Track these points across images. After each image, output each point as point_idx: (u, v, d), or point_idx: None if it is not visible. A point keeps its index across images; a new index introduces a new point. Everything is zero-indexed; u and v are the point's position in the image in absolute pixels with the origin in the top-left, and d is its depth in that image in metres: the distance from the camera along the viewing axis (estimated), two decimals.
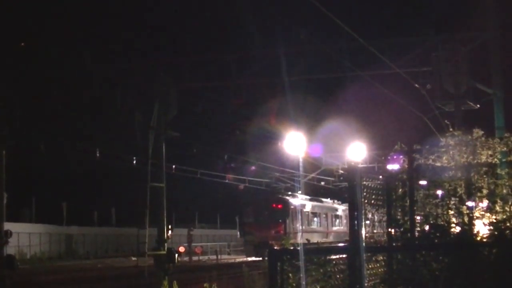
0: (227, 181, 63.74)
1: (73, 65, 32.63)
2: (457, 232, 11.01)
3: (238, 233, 64.86)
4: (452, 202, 13.63)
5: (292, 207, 60.23)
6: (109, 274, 39.71)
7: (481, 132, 15.91)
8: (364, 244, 11.60)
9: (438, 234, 11.65)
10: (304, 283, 11.31)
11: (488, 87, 30.10)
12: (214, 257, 63.38)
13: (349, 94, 37.76)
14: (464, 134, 15.93)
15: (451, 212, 13.46)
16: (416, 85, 30.56)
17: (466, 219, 13.23)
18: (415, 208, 12.88)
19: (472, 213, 13.69)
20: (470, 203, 13.76)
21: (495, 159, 14.94)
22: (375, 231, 12.65)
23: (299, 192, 63.75)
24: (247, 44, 34.19)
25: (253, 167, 63.69)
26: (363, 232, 11.65)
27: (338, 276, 11.90)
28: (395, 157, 14.45)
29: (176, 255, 23.11)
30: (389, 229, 12.32)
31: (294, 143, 48.02)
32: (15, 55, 33.92)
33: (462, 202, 13.59)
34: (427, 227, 12.56)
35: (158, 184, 23.19)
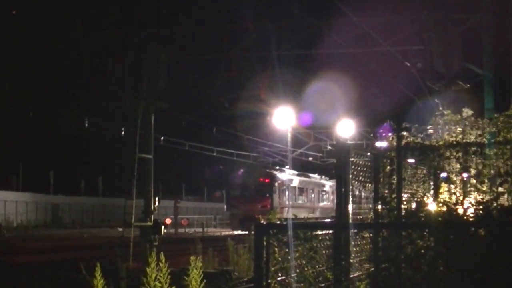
0: (214, 154, 63.80)
1: (64, 32, 32.45)
2: (444, 211, 11.02)
3: (225, 206, 64.91)
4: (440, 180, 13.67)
5: (279, 181, 60.35)
6: (95, 243, 39.75)
7: (470, 112, 15.92)
8: (350, 220, 11.63)
9: (424, 213, 11.66)
10: (290, 257, 11.32)
11: (479, 68, 30.09)
12: (200, 229, 63.51)
13: (340, 70, 37.66)
14: (453, 114, 15.93)
15: (440, 190, 13.50)
16: (407, 64, 30.54)
17: (453, 197, 13.26)
18: (402, 186, 12.89)
19: (460, 192, 13.73)
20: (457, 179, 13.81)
21: (484, 139, 14.95)
22: (361, 207, 12.66)
23: (287, 167, 63.82)
24: (239, 17, 34.07)
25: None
26: (350, 208, 11.66)
27: (324, 251, 11.92)
28: (383, 133, 14.44)
29: (162, 226, 23.13)
30: (376, 207, 12.34)
31: (283, 117, 48.10)
32: (5, 21, 33.70)
33: (449, 180, 13.63)
34: (413, 205, 12.57)
35: (146, 155, 23.14)
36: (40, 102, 44.27)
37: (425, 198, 13.66)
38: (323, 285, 11.55)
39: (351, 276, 11.22)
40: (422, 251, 10.12)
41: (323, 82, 38.97)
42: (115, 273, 16.85)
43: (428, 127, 15.79)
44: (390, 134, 14.40)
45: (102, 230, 61.88)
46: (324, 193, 71.46)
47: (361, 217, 12.40)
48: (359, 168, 12.27)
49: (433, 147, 14.19)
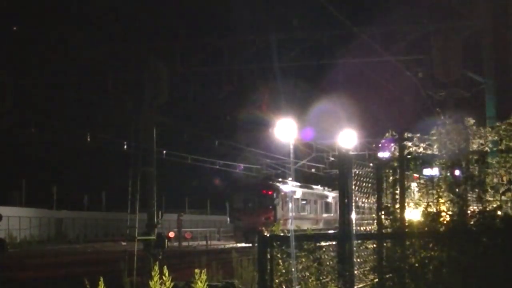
0: (217, 166, 63.74)
1: (65, 47, 32.51)
2: (447, 220, 11.01)
3: (228, 219, 64.77)
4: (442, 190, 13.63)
5: (282, 193, 60.21)
6: (99, 258, 39.70)
7: (472, 121, 15.89)
8: (354, 231, 11.60)
9: (427, 222, 11.65)
10: (294, 269, 11.30)
11: (480, 77, 30.11)
12: (204, 242, 63.39)
13: (341, 81, 37.72)
14: (455, 123, 15.90)
15: (442, 200, 13.46)
16: (408, 73, 30.58)
17: (456, 207, 13.22)
18: (405, 196, 12.86)
19: (463, 201, 13.68)
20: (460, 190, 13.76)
21: (486, 148, 14.93)
22: (364, 218, 12.64)
23: (290, 178, 63.71)
24: (240, 29, 34.14)
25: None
26: (353, 219, 11.64)
27: (328, 263, 11.90)
28: (386, 144, 14.43)
29: (166, 240, 23.09)
30: (379, 217, 12.31)
31: (285, 130, 48.09)
32: (6, 37, 33.78)
33: (452, 190, 13.59)
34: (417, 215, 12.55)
35: (148, 169, 23.13)
36: (42, 118, 44.28)
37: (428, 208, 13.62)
38: None
39: (355, 287, 11.20)
40: (426, 260, 10.11)
41: (325, 93, 39.00)
42: (120, 287, 16.83)
43: (429, 137, 15.77)
44: (392, 144, 14.39)
45: (106, 245, 61.79)
46: (327, 204, 71.30)
47: (364, 227, 12.38)
48: (362, 179, 12.26)
49: (435, 157, 14.18)
